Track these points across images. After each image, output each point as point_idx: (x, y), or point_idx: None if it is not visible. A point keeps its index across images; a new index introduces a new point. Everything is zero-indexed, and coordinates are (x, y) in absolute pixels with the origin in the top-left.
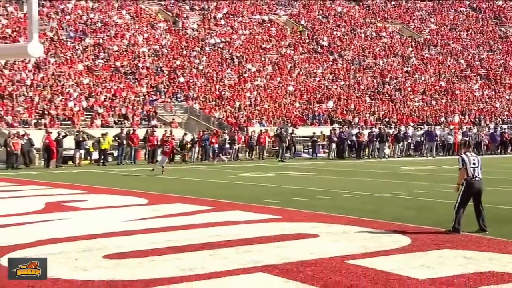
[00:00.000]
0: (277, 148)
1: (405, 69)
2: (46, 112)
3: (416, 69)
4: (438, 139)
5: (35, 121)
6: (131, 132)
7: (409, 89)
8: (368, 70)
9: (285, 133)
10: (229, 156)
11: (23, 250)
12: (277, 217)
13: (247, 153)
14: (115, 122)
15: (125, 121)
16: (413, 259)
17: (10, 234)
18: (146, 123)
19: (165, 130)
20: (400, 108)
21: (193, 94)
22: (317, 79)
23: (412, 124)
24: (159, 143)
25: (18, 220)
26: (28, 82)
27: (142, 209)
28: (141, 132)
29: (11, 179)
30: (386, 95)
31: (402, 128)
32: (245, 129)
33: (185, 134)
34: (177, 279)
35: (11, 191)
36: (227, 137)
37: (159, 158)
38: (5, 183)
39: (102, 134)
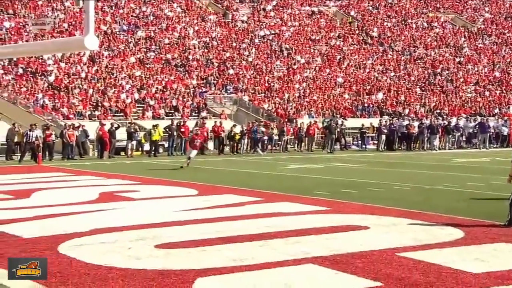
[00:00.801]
0: (326, 140)
1: (457, 59)
2: (99, 104)
3: (469, 60)
4: (492, 131)
5: (89, 113)
6: (182, 123)
7: (462, 80)
8: (419, 61)
9: (334, 125)
10: (265, 150)
11: (79, 238)
12: (326, 209)
13: (296, 145)
14: (166, 114)
15: (176, 113)
16: (466, 253)
17: (66, 223)
18: (196, 114)
19: (215, 122)
20: (451, 99)
21: (242, 86)
22: (367, 70)
23: (464, 115)
24: (191, 138)
25: (74, 210)
26: (83, 74)
27: (192, 200)
28: (191, 124)
29: (67, 169)
30: (438, 86)
31: (453, 119)
32: (294, 120)
33: (234, 125)
34: (228, 269)
35: (67, 181)
36: (264, 129)
37: (190, 153)
38: (61, 173)
39: (153, 126)
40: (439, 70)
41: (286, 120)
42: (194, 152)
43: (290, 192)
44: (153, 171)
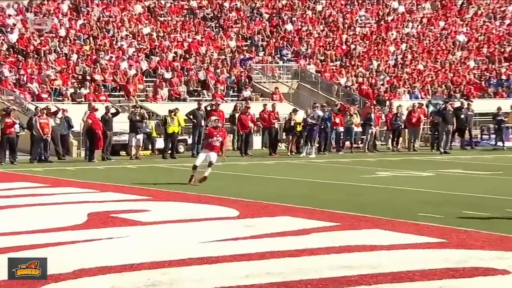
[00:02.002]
0: (437, 133)
1: None
2: (88, 78)
3: None
4: None
5: (72, 91)
6: (213, 107)
7: None
8: None
9: (450, 109)
10: (341, 150)
11: (56, 284)
12: (438, 241)
13: (390, 141)
14: (189, 93)
15: (204, 92)
16: None
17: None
18: (235, 94)
19: (264, 105)
20: None
21: (306, 49)
22: (506, 22)
23: None
24: (206, 133)
25: (50, 240)
26: (62, 32)
27: (230, 225)
28: (227, 108)
29: (38, 178)
30: None
31: None
32: (387, 103)
33: (294, 110)
34: None
35: (38, 195)
36: (320, 113)
37: (200, 156)
38: (29, 184)
39: (170, 112)
40: None
41: (375, 102)
42: (213, 156)
43: (380, 214)
44: (170, 181)
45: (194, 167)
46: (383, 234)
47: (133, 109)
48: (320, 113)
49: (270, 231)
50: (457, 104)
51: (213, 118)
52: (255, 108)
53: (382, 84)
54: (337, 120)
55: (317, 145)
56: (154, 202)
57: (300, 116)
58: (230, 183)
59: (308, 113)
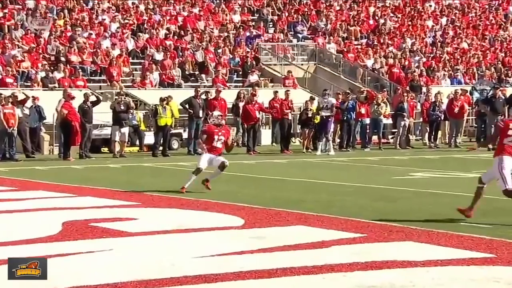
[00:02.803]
0: (483, 125)
1: None
2: (62, 59)
3: None
4: None
5: (43, 74)
6: (214, 95)
7: None
8: None
9: (501, 98)
10: (367, 145)
11: None
12: (487, 256)
13: (427, 135)
14: (184, 78)
15: (203, 76)
16: None
17: (2, 280)
18: (240, 79)
19: (275, 93)
20: None
21: (325, 25)
22: None
23: None
24: (204, 129)
25: (17, 253)
26: (31, 3)
27: (233, 236)
28: (230, 96)
29: (1, 180)
30: None
31: None
32: (423, 89)
33: (311, 98)
34: None
35: (2, 200)
36: (334, 101)
37: (203, 159)
38: None
39: (162, 100)
40: None
41: (408, 88)
42: (222, 158)
43: (414, 223)
44: (161, 184)
45: (198, 171)
46: (418, 248)
47: (117, 97)
48: (333, 100)
49: (281, 244)
50: (510, 90)
51: (216, 113)
52: (264, 96)
53: (417, 67)
54: (363, 110)
55: (338, 140)
56: (142, 209)
57: (317, 106)
58: (233, 186)
59: (319, 103)
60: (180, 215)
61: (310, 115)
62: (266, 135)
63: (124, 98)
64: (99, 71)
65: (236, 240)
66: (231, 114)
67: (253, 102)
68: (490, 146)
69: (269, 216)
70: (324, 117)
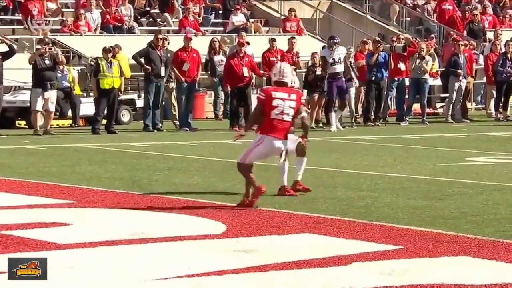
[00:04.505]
0: None
1: None
2: None
3: None
4: None
5: None
6: (182, 47)
7: None
8: None
9: None
10: (405, 119)
11: None
12: None
13: (492, 102)
14: (137, 19)
15: (167, 16)
16: None
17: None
18: (219, 21)
19: (271, 41)
20: None
21: None
22: None
23: None
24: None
25: None
26: None
27: (210, 248)
28: (205, 46)
29: None
30: None
31: None
32: (487, 35)
33: (323, 48)
34: None
35: None
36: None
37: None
38: None
39: (106, 51)
40: None
41: (465, 33)
42: (290, 143)
43: (472, 231)
44: (107, 173)
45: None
46: (476, 265)
47: (39, 47)
48: (343, 50)
49: (279, 260)
50: None
51: (281, 65)
52: (255, 46)
53: (480, 2)
54: (402, 67)
55: (362, 110)
56: (78, 210)
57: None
58: (211, 176)
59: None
60: (132, 219)
61: (319, 73)
62: None
63: (50, 48)
64: (11, 7)
65: (214, 254)
66: (204, 73)
67: (241, 55)
68: None
69: (262, 220)
70: (332, 77)
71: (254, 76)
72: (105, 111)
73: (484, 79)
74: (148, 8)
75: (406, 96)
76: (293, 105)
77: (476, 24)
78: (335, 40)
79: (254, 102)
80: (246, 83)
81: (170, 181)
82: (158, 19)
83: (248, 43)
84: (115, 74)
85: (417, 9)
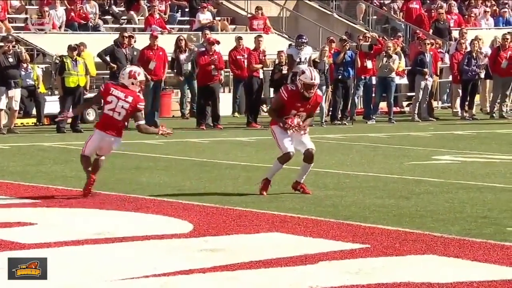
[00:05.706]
0: None
1: None
2: None
3: None
4: None
5: None
6: (148, 45)
7: None
8: None
9: None
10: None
11: None
12: None
13: (458, 101)
14: (104, 17)
15: (132, 14)
16: None
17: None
18: (186, 18)
19: (238, 39)
20: None
21: None
22: None
23: None
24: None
25: None
26: None
27: (176, 247)
28: (168, 44)
29: None
30: None
31: None
32: (453, 33)
33: (289, 46)
34: None
35: None
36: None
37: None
38: None
39: (71, 49)
40: None
41: (431, 32)
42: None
43: (437, 229)
44: (72, 172)
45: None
46: (443, 263)
47: (1, 44)
48: (310, 51)
49: (247, 259)
50: None
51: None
52: (222, 45)
53: (446, 1)
54: (368, 65)
55: (329, 108)
56: (42, 210)
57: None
58: (177, 175)
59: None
60: (98, 218)
61: (285, 71)
62: (225, 102)
63: (13, 46)
64: None
65: (181, 254)
66: (170, 71)
67: (211, 53)
68: None
69: (229, 219)
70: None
71: (223, 74)
72: (71, 107)
73: (450, 78)
74: (107, 7)
75: (373, 95)
76: None
77: (442, 23)
78: (303, 40)
79: (221, 101)
80: (214, 81)
81: (136, 180)
82: (123, 17)
83: (218, 42)
84: (81, 72)
85: (384, 7)
